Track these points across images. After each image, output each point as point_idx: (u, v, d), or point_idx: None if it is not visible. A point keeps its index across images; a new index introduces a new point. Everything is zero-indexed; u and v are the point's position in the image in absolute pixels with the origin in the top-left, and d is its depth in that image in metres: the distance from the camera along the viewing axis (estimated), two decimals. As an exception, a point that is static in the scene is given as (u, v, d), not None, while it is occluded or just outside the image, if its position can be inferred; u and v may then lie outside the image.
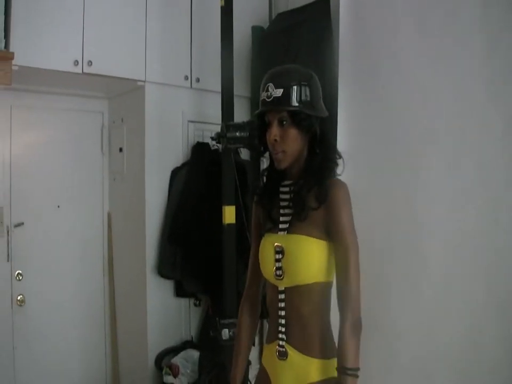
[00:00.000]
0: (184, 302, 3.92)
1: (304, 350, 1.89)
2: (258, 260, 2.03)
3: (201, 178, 3.65)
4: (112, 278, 4.14)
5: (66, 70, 3.30)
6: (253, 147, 3.14)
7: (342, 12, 3.12)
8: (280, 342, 1.93)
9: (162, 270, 3.69)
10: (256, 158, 3.69)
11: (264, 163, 3.09)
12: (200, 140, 3.91)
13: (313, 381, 1.86)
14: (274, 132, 1.86)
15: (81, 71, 3.34)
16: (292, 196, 1.94)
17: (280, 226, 1.95)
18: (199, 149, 3.81)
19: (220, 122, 3.19)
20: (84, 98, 4.03)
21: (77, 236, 4.04)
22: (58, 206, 3.97)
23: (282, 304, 1.93)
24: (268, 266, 1.96)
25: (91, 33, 3.36)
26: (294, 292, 1.89)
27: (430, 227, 2.60)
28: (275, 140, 1.86)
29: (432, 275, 2.58)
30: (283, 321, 1.93)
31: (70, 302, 3.97)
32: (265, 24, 4.10)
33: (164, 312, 3.77)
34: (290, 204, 1.94)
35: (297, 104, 1.84)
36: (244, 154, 3.77)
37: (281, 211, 1.97)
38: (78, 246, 4.05)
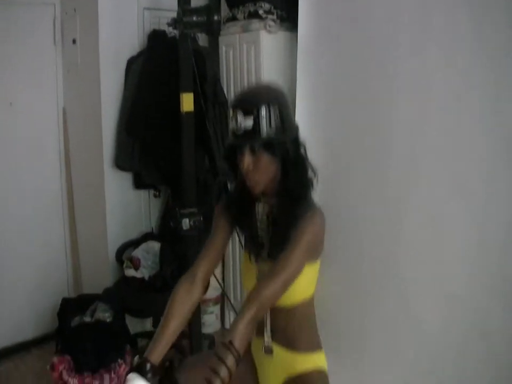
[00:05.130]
0: (143, 193, 3.92)
1: (289, 345, 1.95)
2: (214, 248, 2.00)
3: (159, 67, 3.55)
4: (70, 174, 4.07)
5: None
6: (211, 32, 3.06)
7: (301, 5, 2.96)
8: (266, 338, 1.97)
9: (120, 161, 3.66)
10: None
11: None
12: (157, 28, 3.79)
13: (296, 372, 1.93)
14: (247, 161, 1.79)
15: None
16: (270, 219, 1.92)
17: (263, 253, 1.94)
18: (156, 37, 3.69)
19: (177, 8, 3.08)
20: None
21: (31, 134, 3.90)
22: (11, 103, 3.82)
23: None
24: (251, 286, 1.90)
25: None
26: None
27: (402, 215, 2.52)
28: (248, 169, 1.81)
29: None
30: (268, 317, 1.96)
31: (27, 199, 3.89)
32: None
33: (123, 205, 3.78)
34: (270, 229, 1.92)
35: (268, 133, 1.78)
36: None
37: (261, 233, 1.95)
38: (33, 144, 3.91)
